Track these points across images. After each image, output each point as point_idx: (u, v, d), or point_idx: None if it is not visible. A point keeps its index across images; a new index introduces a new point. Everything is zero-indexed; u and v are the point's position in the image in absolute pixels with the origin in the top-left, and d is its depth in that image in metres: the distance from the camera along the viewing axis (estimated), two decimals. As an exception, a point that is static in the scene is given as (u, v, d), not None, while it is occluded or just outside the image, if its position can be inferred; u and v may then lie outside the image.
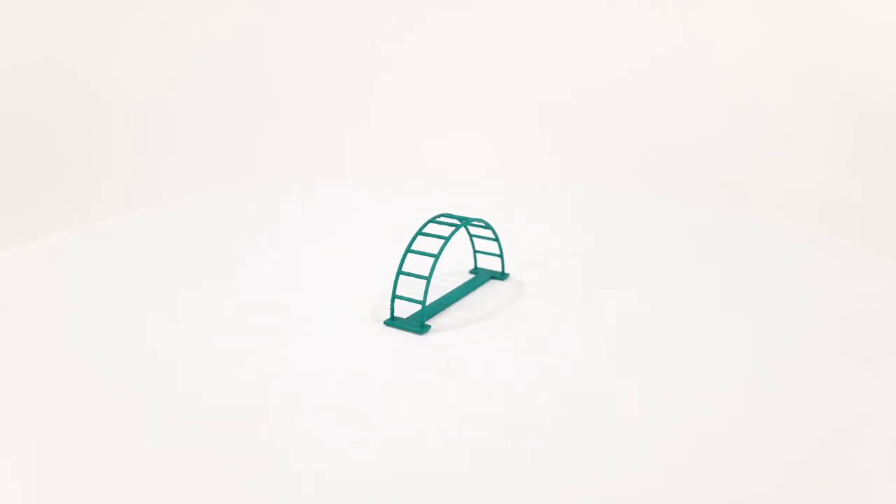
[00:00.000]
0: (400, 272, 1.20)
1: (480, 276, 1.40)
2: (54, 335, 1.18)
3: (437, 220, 1.25)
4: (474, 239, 1.44)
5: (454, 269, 1.43)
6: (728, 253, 1.56)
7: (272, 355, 1.11)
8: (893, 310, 1.29)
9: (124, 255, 1.53)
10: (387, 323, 1.20)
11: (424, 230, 1.25)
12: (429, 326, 1.19)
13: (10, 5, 2.17)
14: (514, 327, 1.21)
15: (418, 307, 1.23)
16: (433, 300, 1.28)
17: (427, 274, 1.17)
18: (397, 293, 1.21)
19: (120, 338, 1.16)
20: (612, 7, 2.46)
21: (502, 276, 1.42)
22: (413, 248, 1.22)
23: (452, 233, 1.20)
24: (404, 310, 1.24)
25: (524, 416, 0.96)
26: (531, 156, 2.28)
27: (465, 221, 1.24)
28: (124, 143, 2.16)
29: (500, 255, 1.41)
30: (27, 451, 0.89)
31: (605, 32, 2.46)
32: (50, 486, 0.83)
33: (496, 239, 1.39)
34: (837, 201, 1.84)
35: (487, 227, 1.33)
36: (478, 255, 1.46)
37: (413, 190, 2.03)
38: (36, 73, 2.15)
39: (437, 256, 1.17)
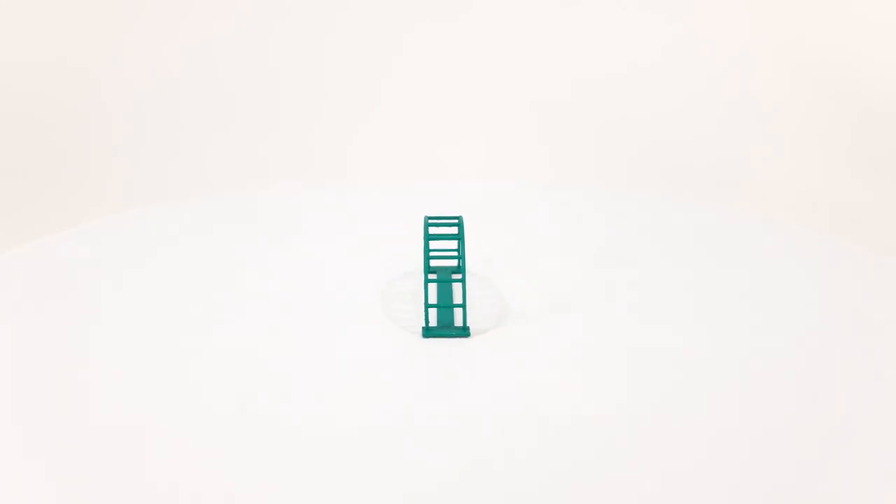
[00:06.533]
0: (428, 280, 1.17)
1: (443, 274, 1.34)
2: (55, 334, 1.18)
3: (435, 222, 1.24)
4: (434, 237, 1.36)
5: (411, 270, 1.37)
6: (729, 252, 1.56)
7: (266, 352, 1.11)
8: (894, 308, 1.29)
9: (125, 255, 1.53)
10: (426, 334, 1.17)
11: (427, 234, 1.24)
12: (469, 328, 1.17)
13: (14, 5, 2.16)
14: (505, 332, 1.21)
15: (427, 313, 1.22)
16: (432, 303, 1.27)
17: (460, 277, 1.16)
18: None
19: (120, 337, 1.16)
20: (614, 6, 2.46)
21: (461, 270, 1.34)
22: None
23: (460, 231, 1.20)
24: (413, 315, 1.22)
25: (535, 418, 0.96)
26: (533, 155, 2.28)
27: (459, 220, 1.23)
28: (125, 141, 2.15)
29: (461, 252, 1.35)
30: (25, 453, 0.89)
31: (605, 31, 2.45)
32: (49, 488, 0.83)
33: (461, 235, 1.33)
34: (839, 201, 1.83)
35: (460, 223, 1.30)
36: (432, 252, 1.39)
37: (414, 191, 2.03)
38: (37, 72, 2.15)
39: (462, 258, 1.17)
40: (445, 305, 1.17)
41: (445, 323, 1.18)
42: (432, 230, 1.28)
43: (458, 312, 1.23)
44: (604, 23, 2.44)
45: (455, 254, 1.32)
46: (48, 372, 1.05)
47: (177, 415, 0.94)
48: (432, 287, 1.29)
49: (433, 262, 1.40)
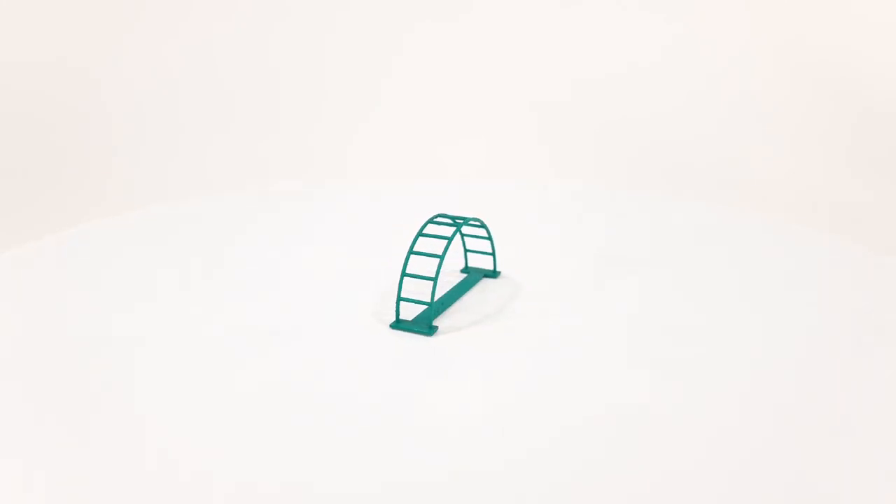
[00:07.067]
0: (404, 274, 1.19)
1: (473, 276, 1.40)
2: (55, 334, 1.18)
3: (435, 220, 1.25)
4: (466, 238, 1.44)
5: (444, 268, 1.42)
6: (729, 252, 1.56)
7: (275, 358, 1.11)
8: (894, 308, 1.29)
9: (124, 255, 1.53)
10: (393, 326, 1.20)
11: (424, 231, 1.25)
12: (436, 328, 1.19)
13: (17, 6, 2.16)
14: (519, 328, 1.21)
15: (422, 309, 1.23)
16: (434, 301, 1.28)
17: (432, 275, 1.17)
18: (397, 296, 1.21)
19: (118, 337, 1.16)
20: (614, 6, 2.46)
21: (494, 274, 1.41)
22: (414, 249, 1.22)
23: (454, 233, 1.20)
24: (408, 311, 1.24)
25: (534, 418, 0.96)
26: (533, 155, 2.28)
27: (464, 221, 1.24)
28: (126, 143, 2.16)
29: (493, 254, 1.41)
30: (26, 449, 0.89)
31: (605, 30, 2.45)
32: (48, 485, 0.83)
33: (489, 238, 1.38)
34: (839, 201, 1.83)
35: (482, 226, 1.33)
36: (469, 254, 1.45)
37: (414, 191, 2.03)
38: (37, 72, 2.15)
39: (441, 257, 1.17)
40: (416, 301, 1.18)
41: (419, 319, 1.21)
42: (428, 228, 1.29)
43: (458, 308, 1.25)
44: (604, 23, 2.45)
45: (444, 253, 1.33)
46: (48, 370, 1.05)
47: (173, 411, 0.94)
48: (404, 281, 1.28)
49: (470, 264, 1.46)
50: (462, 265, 1.46)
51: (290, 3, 2.46)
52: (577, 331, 1.20)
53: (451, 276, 1.40)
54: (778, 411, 0.97)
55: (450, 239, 1.19)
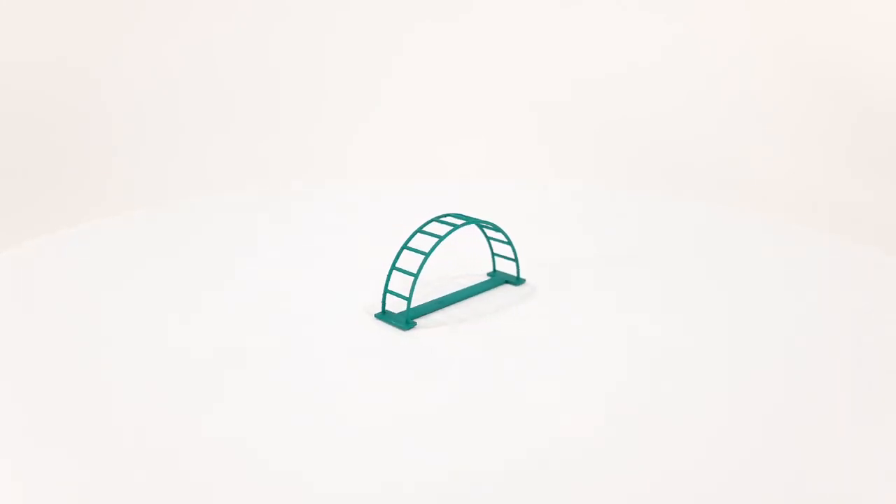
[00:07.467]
0: (393, 268, 1.21)
1: (494, 280, 1.39)
2: (55, 334, 1.18)
3: (442, 219, 1.24)
4: (493, 242, 1.42)
5: (470, 271, 1.43)
6: (729, 252, 1.56)
7: (274, 358, 1.12)
8: (894, 308, 1.29)
9: (124, 254, 1.53)
10: (377, 316, 1.22)
11: (427, 229, 1.25)
12: (414, 323, 1.20)
13: (17, 6, 2.16)
14: (505, 329, 1.21)
15: (416, 303, 1.24)
16: (431, 299, 1.28)
17: (415, 271, 1.18)
18: (393, 290, 1.22)
19: (118, 337, 1.17)
20: (614, 6, 2.46)
21: (517, 281, 1.39)
22: (414, 246, 1.23)
23: (448, 232, 1.20)
24: (400, 305, 1.24)
25: (534, 417, 0.96)
26: (534, 155, 2.28)
27: (469, 221, 1.23)
28: (126, 142, 2.15)
29: (515, 260, 1.39)
30: (27, 449, 0.89)
31: (605, 30, 2.45)
32: (46, 483, 0.83)
33: (509, 243, 1.37)
34: (839, 201, 1.83)
35: (496, 229, 1.32)
36: (496, 258, 1.43)
37: (414, 191, 2.03)
38: (37, 72, 2.15)
39: (427, 255, 1.17)
40: (397, 295, 1.20)
41: (402, 313, 1.22)
42: (428, 227, 1.28)
43: (460, 307, 1.25)
44: (604, 23, 2.44)
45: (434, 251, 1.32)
46: (48, 370, 1.05)
47: (173, 410, 0.94)
48: (403, 277, 1.28)
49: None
50: (490, 268, 1.44)
51: (290, 3, 2.46)
52: (577, 331, 1.20)
53: (465, 279, 1.39)
54: (778, 411, 0.97)
55: (441, 238, 1.19)
